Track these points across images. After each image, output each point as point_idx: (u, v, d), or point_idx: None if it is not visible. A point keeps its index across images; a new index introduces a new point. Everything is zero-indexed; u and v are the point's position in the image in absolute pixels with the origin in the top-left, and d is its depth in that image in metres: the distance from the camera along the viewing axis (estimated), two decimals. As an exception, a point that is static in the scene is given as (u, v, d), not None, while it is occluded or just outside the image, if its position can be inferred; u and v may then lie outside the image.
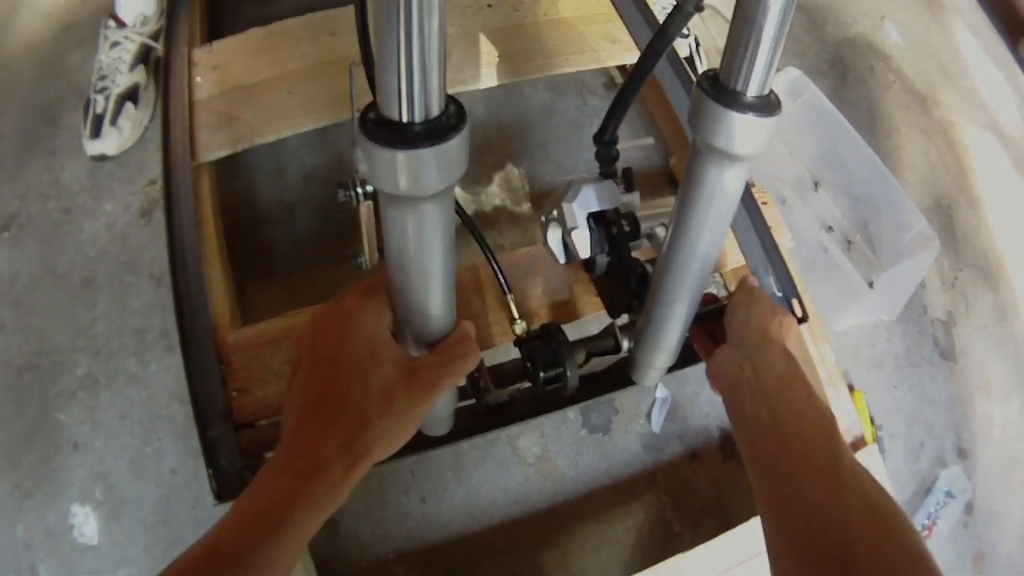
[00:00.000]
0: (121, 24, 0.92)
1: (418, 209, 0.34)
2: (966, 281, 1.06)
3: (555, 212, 0.66)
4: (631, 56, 0.86)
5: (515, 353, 0.62)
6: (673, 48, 0.87)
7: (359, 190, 0.55)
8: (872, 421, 0.94)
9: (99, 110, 0.91)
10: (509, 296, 0.64)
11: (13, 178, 0.97)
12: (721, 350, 0.52)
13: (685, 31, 0.98)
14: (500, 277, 0.64)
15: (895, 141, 1.09)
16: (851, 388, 0.95)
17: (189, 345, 0.70)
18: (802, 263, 0.90)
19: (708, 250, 0.47)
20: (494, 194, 0.94)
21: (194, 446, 0.83)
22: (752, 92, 0.37)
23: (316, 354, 0.39)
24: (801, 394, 0.46)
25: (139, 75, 0.94)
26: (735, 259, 0.81)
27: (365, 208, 0.56)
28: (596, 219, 0.64)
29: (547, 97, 0.96)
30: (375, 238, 0.59)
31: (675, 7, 0.51)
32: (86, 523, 0.81)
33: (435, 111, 0.30)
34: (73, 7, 1.05)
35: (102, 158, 0.93)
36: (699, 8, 0.51)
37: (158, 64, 0.96)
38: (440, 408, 0.53)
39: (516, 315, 0.64)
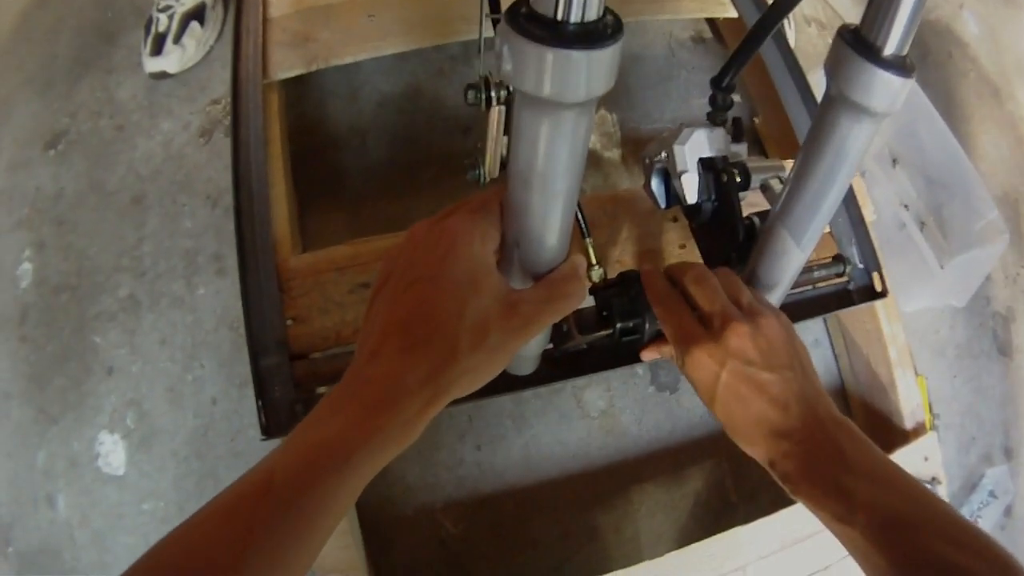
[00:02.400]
0: (191, -63, 0.86)
1: (557, 118, 0.31)
2: (1028, 278, 1.02)
3: (663, 155, 0.61)
4: (724, 8, 0.81)
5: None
6: (766, 4, 0.81)
7: (492, 93, 0.49)
8: (931, 408, 0.90)
9: (162, 28, 0.86)
10: (588, 240, 0.59)
11: (64, 96, 0.91)
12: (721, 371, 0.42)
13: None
14: (580, 218, 0.58)
15: (969, 129, 1.04)
16: (915, 372, 0.91)
17: (248, 267, 0.64)
18: (879, 239, 0.85)
19: (828, 205, 0.45)
20: (596, 141, 0.88)
21: (239, 374, 0.78)
22: (890, 50, 0.37)
23: (411, 272, 0.34)
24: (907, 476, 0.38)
25: (207, -7, 0.88)
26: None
27: (495, 113, 0.50)
28: (705, 164, 0.59)
29: (635, 44, 0.90)
30: (499, 149, 0.54)
31: None
32: (113, 452, 0.76)
33: (593, 15, 0.28)
34: (138, -77, 0.99)
35: (162, 75, 0.87)
36: None
37: (227, -17, 0.90)
38: (531, 346, 0.48)
39: (594, 260, 0.59)
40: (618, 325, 0.54)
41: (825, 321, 0.89)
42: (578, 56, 0.27)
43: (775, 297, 0.52)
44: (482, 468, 0.72)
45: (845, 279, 0.74)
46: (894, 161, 0.92)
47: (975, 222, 0.90)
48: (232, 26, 0.76)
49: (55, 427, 0.77)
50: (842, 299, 0.73)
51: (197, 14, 0.87)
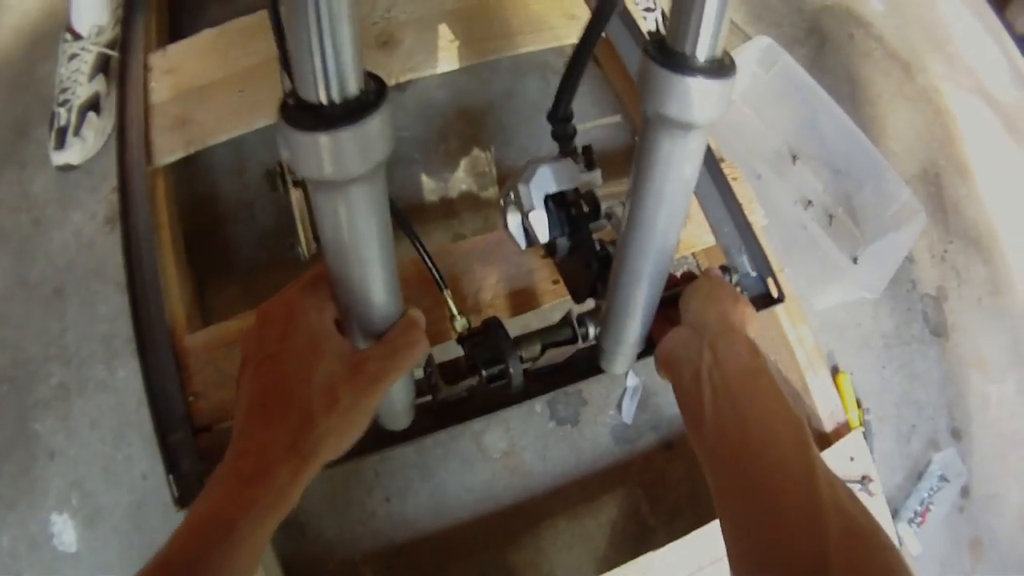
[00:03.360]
0: (77, 36, 0.90)
1: (347, 193, 0.32)
2: (957, 253, 0.99)
3: (512, 195, 0.61)
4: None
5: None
6: (635, 22, 0.81)
7: (288, 177, 0.51)
8: (859, 404, 0.88)
9: (62, 122, 0.89)
10: (445, 292, 0.59)
11: (-14, 191, 0.95)
12: (675, 331, 0.48)
13: (650, 6, 0.92)
14: (434, 272, 0.58)
15: (878, 110, 1.02)
16: (835, 370, 0.90)
17: (147, 350, 0.68)
18: (780, 241, 0.84)
19: (667, 227, 0.44)
20: (459, 180, 0.89)
21: (162, 451, 0.81)
22: (702, 54, 0.34)
23: (260, 351, 0.37)
24: (768, 391, 0.42)
25: (99, 84, 0.91)
26: (707, 239, 0.75)
27: (296, 196, 0.52)
28: (555, 200, 0.59)
29: (508, 79, 0.91)
30: (310, 227, 0.55)
31: None
32: (65, 531, 0.80)
33: (352, 90, 0.29)
34: (41, 21, 1.03)
35: (68, 168, 0.91)
36: None
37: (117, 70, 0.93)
38: (397, 400, 0.50)
39: (455, 312, 0.59)
40: (483, 372, 0.54)
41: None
42: (347, 134, 0.28)
43: (642, 319, 0.51)
44: (393, 519, 0.74)
45: (737, 289, 0.73)
46: (794, 158, 0.91)
47: (888, 207, 0.89)
48: (116, 115, 0.79)
49: (12, 512, 0.81)
50: (735, 310, 0.73)
51: (93, 105, 0.90)
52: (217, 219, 0.86)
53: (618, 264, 0.48)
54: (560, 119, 0.59)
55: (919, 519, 0.86)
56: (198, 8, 0.98)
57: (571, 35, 0.81)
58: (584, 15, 0.82)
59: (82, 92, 0.89)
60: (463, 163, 0.90)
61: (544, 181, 0.59)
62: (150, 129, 0.78)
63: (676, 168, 0.39)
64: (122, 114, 0.80)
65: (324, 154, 0.29)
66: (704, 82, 0.34)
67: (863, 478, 0.76)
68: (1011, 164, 1.07)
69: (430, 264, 0.59)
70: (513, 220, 0.64)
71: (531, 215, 0.59)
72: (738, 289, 0.70)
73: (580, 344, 0.60)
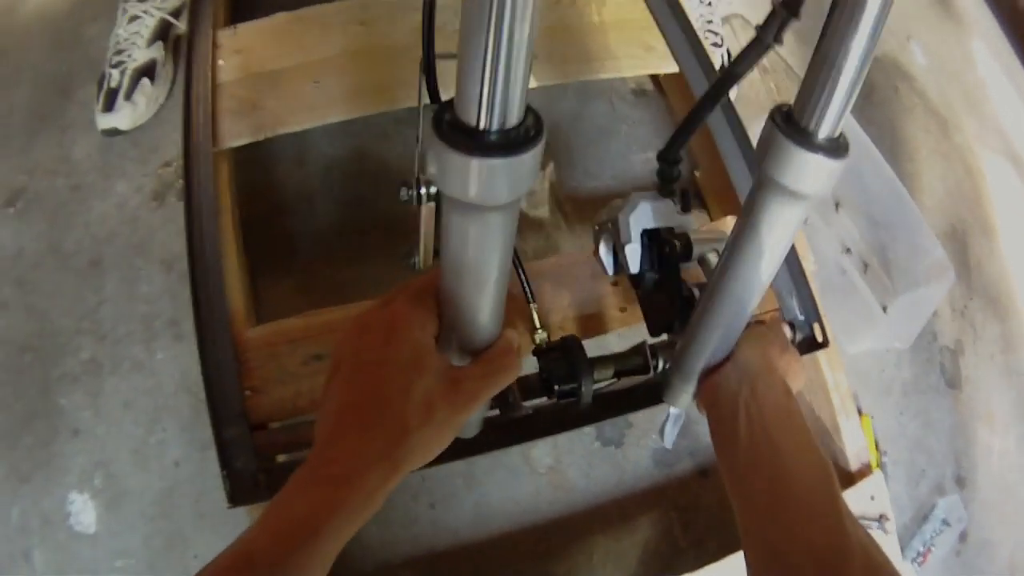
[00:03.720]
0: (142, -2, 0.88)
1: (483, 218, 0.33)
2: (975, 311, 1.06)
3: (610, 224, 0.64)
4: (666, 64, 0.83)
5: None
6: (708, 59, 0.84)
7: (423, 191, 0.52)
8: (877, 446, 0.93)
9: (114, 84, 0.88)
10: (532, 305, 0.62)
11: (21, 152, 0.93)
12: (721, 367, 0.51)
13: (718, 42, 0.95)
14: (525, 285, 0.61)
15: (915, 165, 1.08)
16: (859, 412, 0.94)
17: (206, 340, 0.66)
18: (820, 284, 0.88)
19: (758, 281, 0.46)
20: (523, 200, 0.91)
21: (200, 439, 0.81)
22: (824, 133, 0.37)
23: (359, 357, 0.38)
24: (801, 431, 0.45)
25: (157, 51, 0.89)
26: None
27: (427, 210, 0.53)
28: (650, 236, 0.62)
29: (575, 101, 0.93)
30: (432, 241, 0.56)
31: (754, 38, 0.49)
32: (84, 511, 0.79)
33: (513, 121, 0.29)
34: (91, -24, 1.00)
35: (114, 132, 0.89)
36: (778, 41, 0.48)
37: (177, 42, 0.91)
38: (474, 414, 0.51)
39: (538, 325, 0.62)
40: (556, 388, 0.56)
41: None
42: (500, 163, 0.29)
43: (712, 358, 0.53)
44: (436, 526, 0.76)
45: (795, 341, 0.77)
46: (836, 204, 0.95)
47: (920, 261, 0.93)
48: (182, 91, 0.78)
49: (27, 485, 0.80)
50: (783, 351, 0.76)
51: (148, 71, 0.89)
52: (274, 209, 0.86)
53: (704, 308, 0.51)
54: (670, 160, 0.62)
55: (920, 559, 0.91)
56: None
57: (645, 66, 0.83)
58: (660, 47, 0.84)
59: (139, 56, 0.88)
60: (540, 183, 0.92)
61: (644, 216, 0.62)
62: (217, 110, 0.77)
63: (779, 231, 0.42)
64: (188, 89, 0.78)
65: (474, 178, 0.29)
66: (822, 160, 0.37)
67: (880, 516, 0.81)
68: (1033, 226, 1.13)
69: (523, 277, 0.61)
70: (605, 247, 0.67)
71: (627, 247, 0.62)
72: (791, 338, 0.74)
73: (649, 375, 0.63)
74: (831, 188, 0.39)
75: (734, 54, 1.00)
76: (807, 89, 0.36)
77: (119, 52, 0.88)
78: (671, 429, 0.85)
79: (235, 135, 0.77)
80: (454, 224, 0.34)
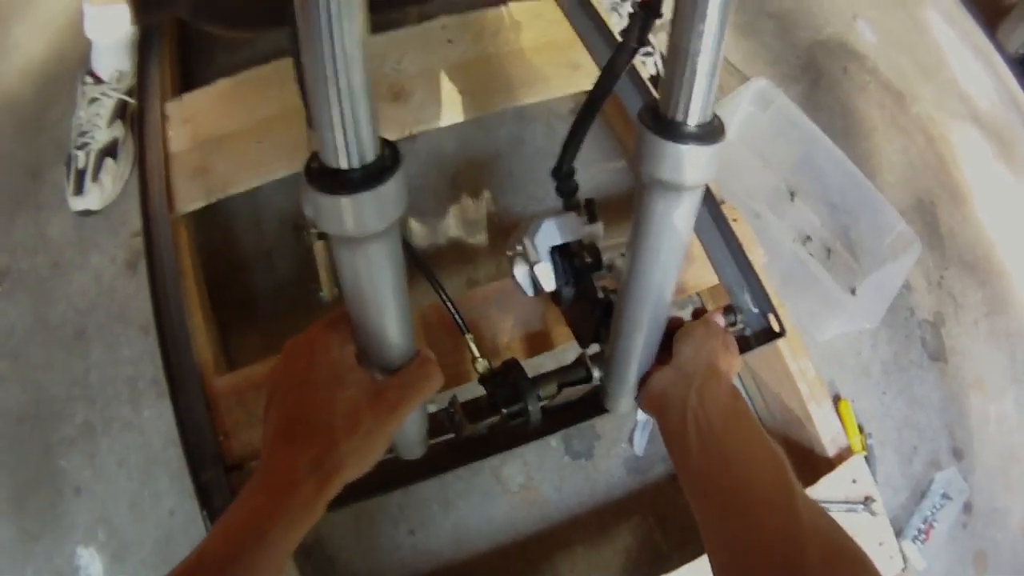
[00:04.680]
0: (98, 80, 0.96)
1: (366, 248, 0.37)
2: (953, 279, 1.07)
3: (519, 247, 0.69)
4: (593, 81, 0.88)
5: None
6: (635, 68, 0.89)
7: (313, 230, 0.58)
8: (861, 429, 0.96)
9: (80, 166, 0.96)
10: (468, 336, 0.66)
11: (3, 234, 1.02)
12: (662, 372, 0.54)
13: (650, 48, 1.00)
14: (457, 318, 0.65)
15: (873, 143, 1.10)
16: (837, 398, 0.97)
17: (178, 393, 0.73)
18: (780, 276, 0.91)
19: (664, 278, 0.48)
20: (471, 226, 0.97)
21: (190, 487, 0.86)
22: (693, 120, 0.38)
23: (286, 382, 0.43)
24: (749, 432, 0.48)
25: (117, 130, 0.98)
26: (710, 278, 0.82)
27: (319, 247, 0.59)
28: (559, 251, 0.66)
29: (514, 127, 0.99)
30: (332, 273, 0.62)
31: (619, 44, 0.53)
32: (92, 564, 0.86)
33: (370, 157, 0.33)
34: (49, 64, 1.10)
35: (87, 213, 0.97)
36: (642, 43, 0.53)
37: (135, 118, 0.99)
38: (410, 431, 0.56)
39: (476, 354, 0.65)
40: (504, 410, 0.61)
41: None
42: (365, 197, 0.33)
43: (641, 362, 0.56)
44: (418, 550, 0.81)
45: (740, 326, 0.81)
46: (792, 195, 0.99)
47: (883, 238, 0.96)
48: (137, 164, 0.86)
49: (38, 544, 0.87)
50: (740, 345, 0.79)
51: (110, 150, 0.97)
52: (236, 267, 0.93)
53: (619, 312, 0.54)
54: (564, 175, 0.67)
55: (923, 536, 0.92)
56: (207, 56, 1.04)
57: (573, 85, 0.88)
58: (587, 64, 0.89)
59: (101, 137, 0.96)
60: (473, 210, 0.97)
61: (549, 234, 0.66)
62: (171, 177, 0.85)
63: (671, 226, 0.44)
64: (143, 162, 0.86)
65: (345, 214, 0.34)
66: (695, 148, 0.38)
67: (866, 499, 0.83)
68: (1004, 186, 1.15)
69: (453, 310, 0.66)
70: (520, 270, 0.71)
71: (537, 267, 0.66)
72: (733, 329, 0.78)
73: (593, 383, 0.67)
74: (711, 174, 0.40)
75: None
76: (667, 82, 0.38)
77: (82, 134, 0.96)
78: (640, 436, 0.89)
79: (190, 200, 0.84)
80: (343, 257, 0.38)
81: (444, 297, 0.65)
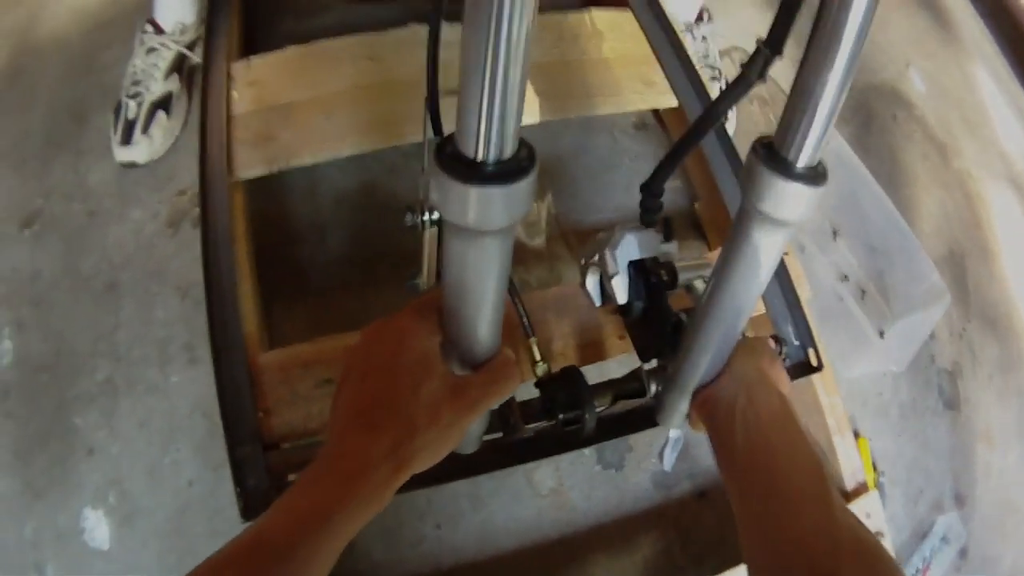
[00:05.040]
0: (159, 30, 0.95)
1: (481, 242, 0.38)
2: (974, 333, 1.12)
3: (596, 257, 0.70)
4: (666, 99, 0.90)
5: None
6: (707, 93, 0.91)
7: (426, 217, 0.58)
8: (875, 467, 1.00)
9: (131, 116, 0.95)
10: (532, 339, 0.67)
11: (37, 176, 1.00)
12: (718, 381, 0.56)
13: (716, 75, 1.02)
14: (525, 320, 0.66)
15: (914, 192, 1.14)
16: (856, 435, 1.01)
17: (222, 362, 0.73)
18: (817, 310, 0.94)
19: (745, 305, 0.51)
20: (527, 230, 0.98)
21: (213, 459, 0.87)
22: (803, 162, 0.40)
23: (369, 363, 0.43)
24: (795, 433, 0.50)
25: (173, 84, 0.97)
26: (757, 308, 0.85)
27: (430, 235, 0.59)
28: (635, 267, 0.68)
29: (578, 134, 1.00)
30: (435, 263, 0.63)
31: (738, 76, 0.55)
32: (98, 527, 0.85)
33: (508, 153, 0.34)
34: (104, 6, 1.08)
35: (131, 165, 0.96)
36: (762, 78, 0.54)
37: (192, 74, 0.99)
38: (474, 427, 0.57)
39: (538, 357, 0.67)
40: (560, 416, 0.63)
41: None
42: (496, 192, 0.33)
43: (704, 382, 0.58)
44: (442, 545, 0.82)
45: (782, 357, 0.83)
46: (835, 233, 1.02)
47: (916, 286, 1.00)
48: (198, 122, 0.85)
49: (41, 501, 0.85)
50: (779, 374, 0.83)
51: (164, 103, 0.96)
52: (287, 238, 0.93)
53: (693, 332, 0.56)
54: (653, 193, 0.68)
55: (920, 575, 0.98)
56: (272, 21, 1.04)
57: (646, 101, 0.90)
58: (660, 81, 0.91)
59: (156, 88, 0.95)
60: (534, 213, 0.99)
61: (629, 248, 0.68)
62: (231, 141, 0.84)
63: (762, 257, 0.46)
64: (205, 120, 0.85)
65: (472, 205, 0.34)
66: (801, 188, 0.40)
67: (876, 534, 0.88)
68: (1032, 249, 1.20)
69: (522, 311, 0.67)
70: (592, 280, 0.73)
71: (613, 279, 0.68)
72: (781, 356, 0.80)
73: (648, 398, 0.69)
74: (811, 214, 0.42)
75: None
76: (786, 121, 0.40)
77: (136, 83, 0.95)
78: (670, 453, 0.92)
79: (249, 166, 0.84)
80: (455, 248, 0.39)
81: (516, 299, 0.66)
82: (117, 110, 0.96)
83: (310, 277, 0.92)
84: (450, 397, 0.42)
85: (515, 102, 0.32)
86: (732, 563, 0.79)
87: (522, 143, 0.35)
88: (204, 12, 0.94)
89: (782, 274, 0.86)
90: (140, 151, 0.94)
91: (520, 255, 0.96)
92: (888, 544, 0.87)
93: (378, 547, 0.82)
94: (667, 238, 0.71)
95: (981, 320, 1.13)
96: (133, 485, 0.86)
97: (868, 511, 0.87)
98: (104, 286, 0.93)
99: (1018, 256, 1.17)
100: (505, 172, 0.33)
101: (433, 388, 0.42)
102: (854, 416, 1.01)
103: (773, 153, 0.41)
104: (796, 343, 0.85)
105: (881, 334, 1.01)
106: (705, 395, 0.56)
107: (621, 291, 0.69)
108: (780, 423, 0.50)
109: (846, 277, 1.03)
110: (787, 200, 0.41)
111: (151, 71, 0.95)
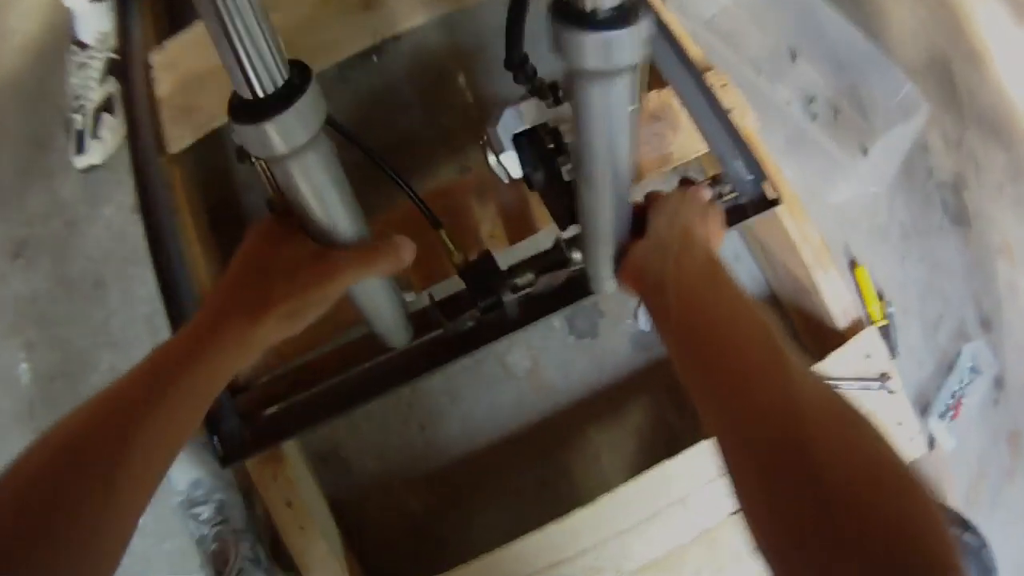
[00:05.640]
0: (83, 46, 1.03)
1: (298, 159, 0.41)
2: (974, 140, 1.04)
3: (486, 137, 0.71)
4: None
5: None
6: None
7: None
8: (880, 297, 0.94)
9: (79, 127, 1.03)
10: (441, 231, 0.66)
11: (17, 207, 1.10)
12: (638, 246, 0.54)
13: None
14: (425, 211, 0.65)
15: (883, 3, 1.06)
16: (853, 264, 0.95)
17: (176, 319, 0.79)
18: (783, 140, 0.91)
19: (615, 157, 0.48)
20: (459, 116, 0.99)
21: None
22: (606, 5, 0.37)
23: (242, 247, 0.48)
24: (732, 298, 0.47)
25: (110, 86, 1.04)
26: (698, 147, 0.82)
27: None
28: (527, 138, 0.67)
29: (500, 14, 0.98)
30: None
31: None
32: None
33: (279, 81, 0.38)
34: (43, 38, 1.16)
35: (91, 168, 1.04)
36: None
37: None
38: (387, 315, 0.61)
39: (451, 247, 0.66)
40: (479, 303, 0.65)
41: (743, 236, 0.96)
42: (282, 118, 0.38)
43: (614, 241, 0.58)
44: (430, 445, 0.85)
45: (733, 195, 0.81)
46: (793, 55, 0.97)
47: (892, 98, 0.94)
48: (126, 114, 0.92)
49: None
50: (735, 214, 0.80)
51: (106, 106, 1.03)
52: (237, 189, 0.99)
53: (580, 196, 0.55)
54: (517, 63, 0.67)
55: (951, 413, 0.90)
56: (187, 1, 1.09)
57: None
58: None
59: (94, 96, 1.03)
60: (461, 100, 0.99)
61: (511, 122, 0.68)
62: (160, 122, 0.90)
63: (608, 109, 0.44)
64: (131, 113, 0.92)
65: (268, 138, 0.38)
66: (609, 35, 0.38)
67: (882, 375, 0.80)
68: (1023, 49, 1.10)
69: (420, 204, 0.68)
70: (492, 159, 0.73)
71: (502, 156, 0.68)
72: (725, 199, 0.78)
73: (573, 267, 0.69)
74: (640, 54, 0.40)
75: None
76: None
77: (77, 98, 1.03)
78: (644, 311, 0.90)
79: (180, 139, 0.89)
80: (280, 173, 0.43)
81: (410, 192, 0.66)
82: (67, 126, 1.04)
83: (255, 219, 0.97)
84: (310, 259, 0.46)
85: (259, 32, 0.35)
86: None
87: (293, 64, 0.39)
88: (119, 15, 1.01)
89: (717, 108, 0.83)
90: (94, 153, 1.02)
91: (457, 143, 0.97)
92: (899, 385, 0.79)
93: (370, 459, 0.86)
94: (557, 102, 0.69)
95: (979, 127, 1.05)
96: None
97: (868, 351, 0.81)
98: (92, 284, 1.02)
99: (1007, 57, 1.07)
100: (282, 98, 0.38)
101: (292, 251, 0.46)
102: (848, 244, 0.96)
103: (572, 10, 0.38)
104: (749, 177, 0.82)
105: (865, 151, 0.95)
106: (629, 266, 0.55)
107: (514, 166, 0.68)
108: (713, 290, 0.48)
109: (814, 99, 0.98)
110: (599, 50, 0.39)
111: (87, 83, 1.02)
